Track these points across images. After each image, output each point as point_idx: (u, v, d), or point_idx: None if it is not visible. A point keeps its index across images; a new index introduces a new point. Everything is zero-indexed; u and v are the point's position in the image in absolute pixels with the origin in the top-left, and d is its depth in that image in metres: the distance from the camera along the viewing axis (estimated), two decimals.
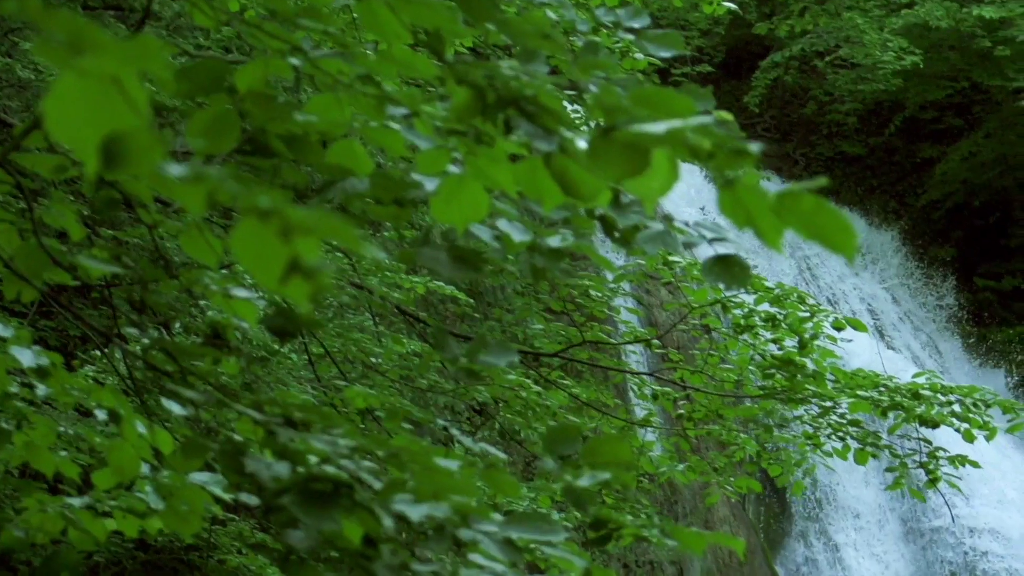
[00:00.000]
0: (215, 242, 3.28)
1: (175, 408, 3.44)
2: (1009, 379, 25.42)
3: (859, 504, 21.62)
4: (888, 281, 26.70)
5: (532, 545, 2.96)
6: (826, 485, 21.32)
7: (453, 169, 2.86)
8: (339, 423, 3.09)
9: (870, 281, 26.50)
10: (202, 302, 4.08)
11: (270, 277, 1.98)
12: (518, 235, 2.98)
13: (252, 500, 3.08)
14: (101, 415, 4.25)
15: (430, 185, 2.88)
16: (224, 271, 4.21)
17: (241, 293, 3.72)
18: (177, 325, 7.89)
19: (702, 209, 23.25)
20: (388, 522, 2.83)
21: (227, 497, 3.97)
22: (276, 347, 9.01)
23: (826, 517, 21.33)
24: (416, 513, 2.83)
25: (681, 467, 9.40)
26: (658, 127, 2.24)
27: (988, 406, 8.31)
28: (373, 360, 9.24)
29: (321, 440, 2.98)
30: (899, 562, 21.29)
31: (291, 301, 2.04)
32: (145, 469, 4.25)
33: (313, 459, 2.94)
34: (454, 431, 4.48)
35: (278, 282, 1.99)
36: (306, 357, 9.10)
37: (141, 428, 4.22)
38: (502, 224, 2.98)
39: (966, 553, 20.95)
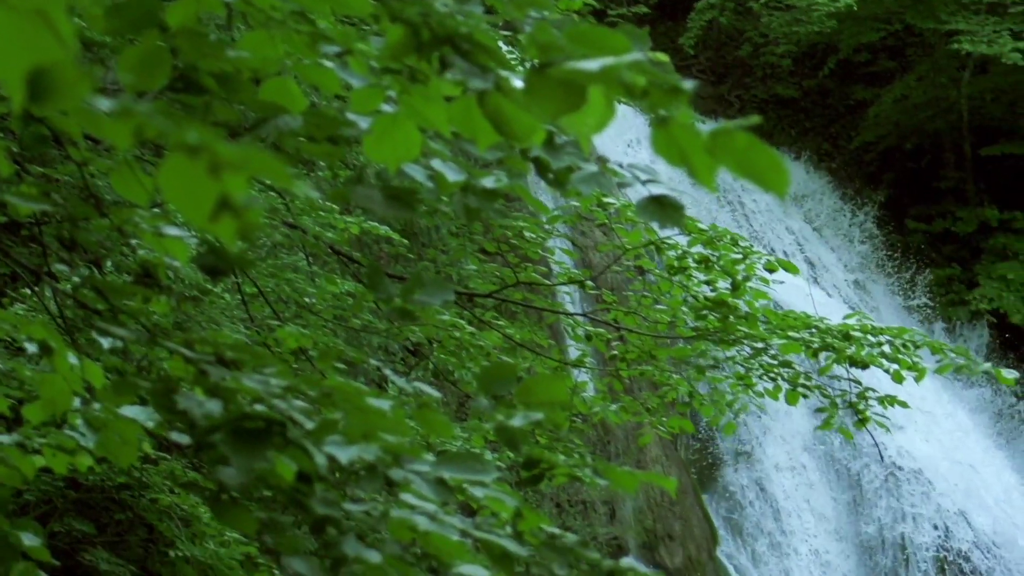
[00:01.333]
0: (146, 180, 3.25)
1: (106, 344, 3.41)
2: (945, 325, 25.60)
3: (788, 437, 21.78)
4: (851, 264, 26.69)
5: (464, 485, 2.97)
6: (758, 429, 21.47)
7: (387, 108, 2.84)
8: (271, 363, 3.08)
9: (821, 246, 26.50)
10: (133, 241, 4.05)
11: (199, 214, 1.96)
12: (452, 175, 2.97)
13: (184, 439, 3.07)
14: (32, 348, 4.20)
15: (364, 124, 2.86)
16: (155, 209, 4.17)
17: (172, 231, 3.69)
18: (108, 264, 7.83)
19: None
20: (321, 459, 2.82)
21: (160, 432, 3.94)
22: (208, 286, 8.95)
23: (757, 460, 21.48)
24: (345, 455, 2.82)
25: (614, 407, 9.45)
26: (593, 64, 2.23)
27: (917, 347, 8.38)
28: (307, 300, 9.21)
29: (253, 379, 2.97)
30: (828, 502, 21.49)
31: (222, 239, 2.03)
32: (77, 403, 4.21)
33: (245, 399, 2.92)
34: (387, 371, 4.48)
35: (207, 220, 1.97)
36: (239, 297, 9.05)
37: (73, 360, 4.18)
38: (436, 164, 2.97)
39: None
